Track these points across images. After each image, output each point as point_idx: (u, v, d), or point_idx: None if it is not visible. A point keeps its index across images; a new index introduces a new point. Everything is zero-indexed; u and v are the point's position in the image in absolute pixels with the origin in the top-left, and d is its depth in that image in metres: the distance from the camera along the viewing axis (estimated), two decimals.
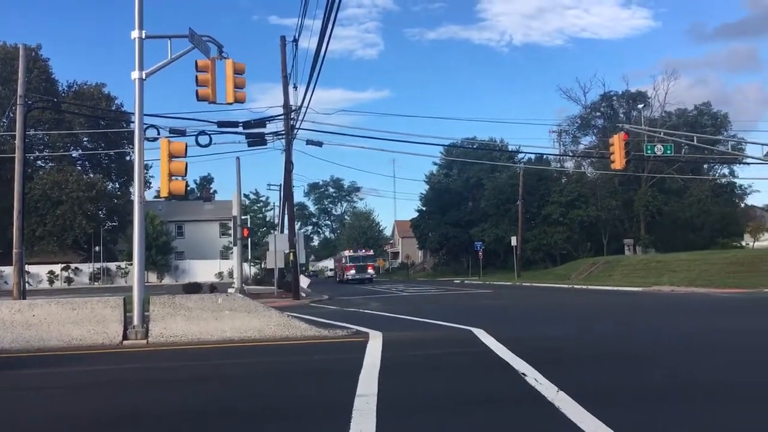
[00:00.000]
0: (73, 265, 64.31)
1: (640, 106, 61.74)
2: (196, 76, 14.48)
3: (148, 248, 49.40)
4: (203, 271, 64.53)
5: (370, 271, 60.98)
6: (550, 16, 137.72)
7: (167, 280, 64.35)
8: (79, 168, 67.96)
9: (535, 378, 7.46)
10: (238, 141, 26.89)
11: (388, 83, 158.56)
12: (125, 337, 12.34)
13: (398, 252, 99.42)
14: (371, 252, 68.56)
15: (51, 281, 62.33)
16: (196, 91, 14.51)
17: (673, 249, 50.10)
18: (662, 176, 56.92)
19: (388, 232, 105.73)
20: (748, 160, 49.85)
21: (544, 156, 65.11)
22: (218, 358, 10.62)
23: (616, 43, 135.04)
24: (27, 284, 31.88)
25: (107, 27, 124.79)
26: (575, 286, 34.73)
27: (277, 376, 8.82)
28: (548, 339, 12.06)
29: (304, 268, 49.33)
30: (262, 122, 26.94)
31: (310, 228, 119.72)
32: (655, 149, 28.56)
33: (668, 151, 30.10)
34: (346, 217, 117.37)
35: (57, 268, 63.13)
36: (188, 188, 14.25)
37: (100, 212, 64.70)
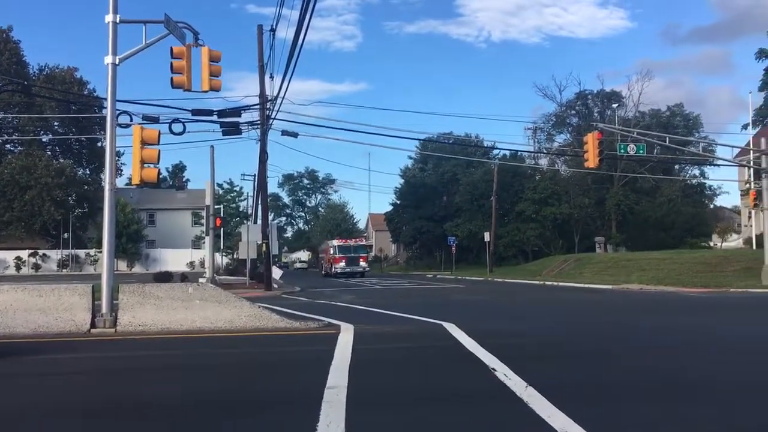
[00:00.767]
0: (41, 252, 63.43)
1: (615, 105, 62.29)
2: (171, 63, 14.27)
3: (119, 236, 48.88)
4: (175, 260, 63.92)
5: (363, 263, 52.19)
6: (529, 14, 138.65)
7: (138, 269, 63.66)
8: (49, 153, 66.91)
9: (504, 373, 7.52)
10: (213, 130, 26.51)
11: (366, 76, 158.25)
12: (93, 325, 12.18)
13: (372, 245, 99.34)
14: (363, 241, 60.47)
15: (18, 267, 61.43)
16: (171, 78, 14.30)
17: (643, 248, 50.73)
18: (634, 176, 57.53)
19: (362, 225, 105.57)
20: (719, 162, 50.89)
21: (519, 153, 65.41)
22: (188, 348, 10.55)
23: (593, 42, 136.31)
24: None
25: (81, 10, 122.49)
26: (546, 283, 35.05)
27: (247, 367, 8.78)
28: (518, 334, 12.21)
29: (276, 260, 48.98)
30: (237, 111, 26.64)
31: (283, 219, 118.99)
32: (628, 149, 28.84)
33: (641, 151, 30.44)
34: (320, 209, 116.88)
35: (24, 254, 62.29)
36: (161, 176, 14.05)
37: (69, 198, 63.57)
